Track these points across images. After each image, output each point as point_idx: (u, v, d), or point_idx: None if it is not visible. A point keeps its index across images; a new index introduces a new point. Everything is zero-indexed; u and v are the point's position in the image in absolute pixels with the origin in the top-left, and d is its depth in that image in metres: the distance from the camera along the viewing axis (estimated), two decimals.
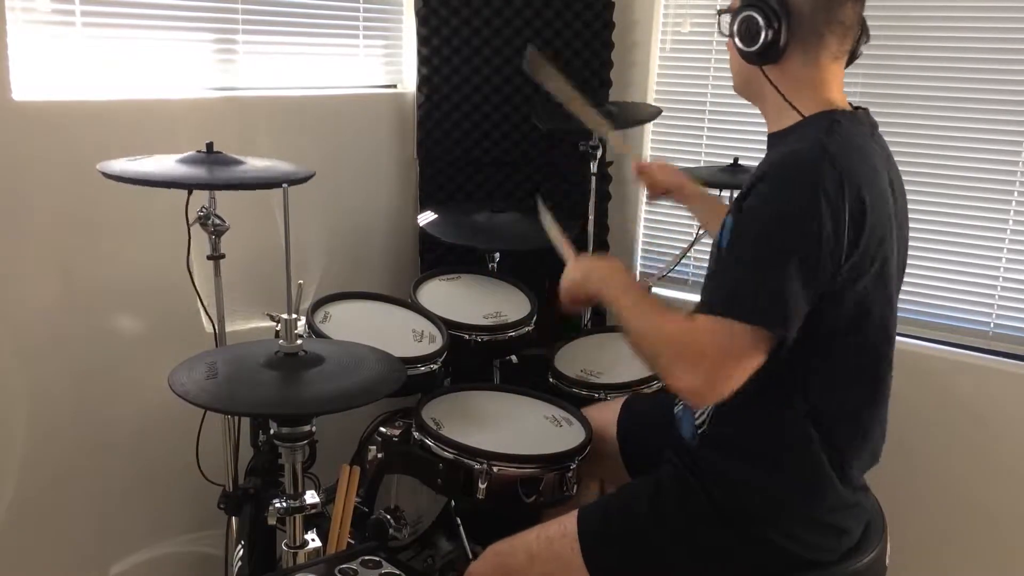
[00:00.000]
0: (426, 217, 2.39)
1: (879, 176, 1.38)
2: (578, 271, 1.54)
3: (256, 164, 1.79)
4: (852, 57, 1.47)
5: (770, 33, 1.37)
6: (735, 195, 1.52)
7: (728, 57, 1.51)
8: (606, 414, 1.84)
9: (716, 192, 2.46)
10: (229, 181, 1.71)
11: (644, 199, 1.96)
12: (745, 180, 1.52)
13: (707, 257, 1.62)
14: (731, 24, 1.43)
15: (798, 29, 1.38)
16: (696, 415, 1.53)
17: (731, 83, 1.55)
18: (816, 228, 1.26)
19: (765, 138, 1.52)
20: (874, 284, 1.37)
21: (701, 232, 2.52)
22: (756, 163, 1.64)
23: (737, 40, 1.42)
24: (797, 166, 1.32)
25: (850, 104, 1.46)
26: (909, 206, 1.48)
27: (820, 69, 1.41)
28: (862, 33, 1.45)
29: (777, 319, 1.26)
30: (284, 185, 1.46)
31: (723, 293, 1.31)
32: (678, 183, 1.92)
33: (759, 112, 1.52)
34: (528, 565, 1.52)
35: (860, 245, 1.31)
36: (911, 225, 1.49)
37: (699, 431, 1.51)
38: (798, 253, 1.26)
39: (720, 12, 1.50)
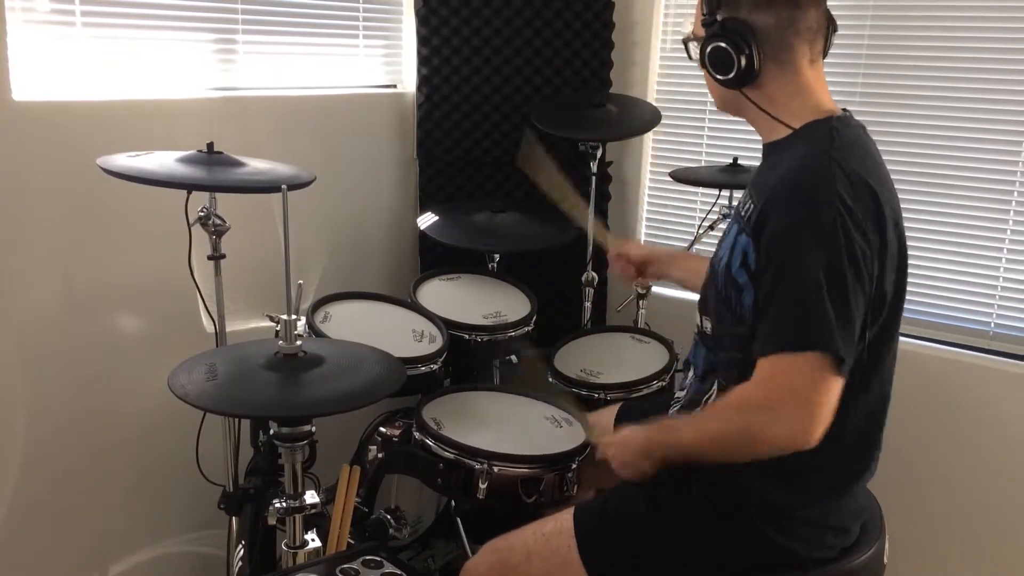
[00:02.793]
0: (426, 220, 2.39)
1: (884, 173, 1.39)
2: (622, 456, 1.53)
3: (257, 166, 1.79)
4: (824, 51, 1.47)
5: (742, 60, 1.38)
6: (738, 206, 1.51)
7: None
8: (602, 421, 1.84)
9: (715, 191, 2.47)
10: (229, 183, 1.71)
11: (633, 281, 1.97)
12: (746, 184, 1.52)
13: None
14: (700, 54, 1.43)
15: (767, 46, 1.38)
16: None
17: None
18: (849, 239, 1.27)
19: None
20: (896, 279, 1.38)
21: (701, 232, 2.52)
22: (756, 163, 1.64)
23: (711, 71, 1.42)
24: (810, 182, 1.32)
25: (844, 110, 1.46)
26: (911, 206, 1.48)
27: (798, 76, 1.41)
28: (829, 26, 1.45)
29: (829, 338, 1.26)
30: (284, 187, 1.46)
31: (776, 329, 1.30)
32: (652, 251, 1.94)
33: None
34: (525, 562, 1.52)
35: (887, 241, 1.33)
36: (912, 225, 1.51)
37: None
38: (840, 268, 1.27)
39: (685, 41, 1.51)
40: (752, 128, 1.52)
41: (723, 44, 1.38)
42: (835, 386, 1.29)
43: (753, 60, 1.37)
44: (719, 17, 1.39)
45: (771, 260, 1.32)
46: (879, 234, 1.32)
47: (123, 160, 1.70)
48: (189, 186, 1.71)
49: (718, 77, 1.42)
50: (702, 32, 1.43)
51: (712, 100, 1.55)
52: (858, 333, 1.31)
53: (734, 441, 1.37)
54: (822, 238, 1.27)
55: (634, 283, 1.98)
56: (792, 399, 1.29)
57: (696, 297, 1.59)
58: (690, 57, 1.50)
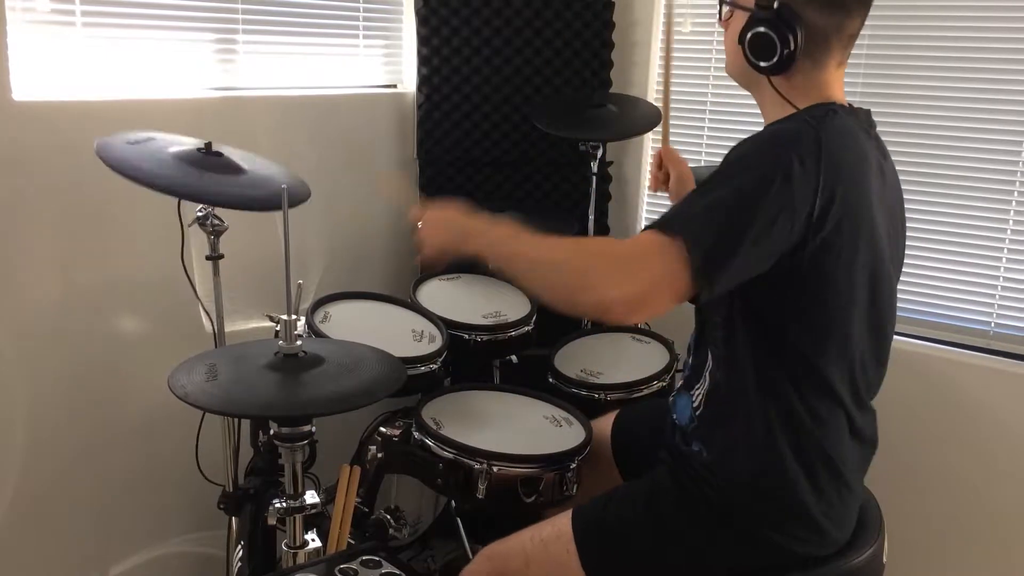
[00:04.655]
0: None
1: (866, 163, 1.38)
2: (435, 224, 1.47)
3: (256, 173, 1.77)
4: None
5: (784, 52, 1.37)
6: None
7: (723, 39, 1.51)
8: (600, 426, 1.84)
9: None
10: (226, 196, 1.66)
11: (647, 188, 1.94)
12: None
13: None
14: (742, 30, 1.41)
15: (809, 43, 1.38)
16: (693, 397, 1.53)
17: (732, 84, 1.55)
18: (781, 188, 1.24)
19: None
20: (867, 275, 1.37)
21: None
22: None
23: (749, 54, 1.41)
24: (781, 132, 1.34)
25: (851, 104, 1.46)
26: (911, 206, 1.48)
27: (823, 74, 1.42)
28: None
29: (702, 240, 1.23)
30: (283, 186, 1.46)
31: (674, 214, 1.29)
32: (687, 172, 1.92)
33: (759, 113, 1.52)
34: (523, 568, 1.51)
35: (830, 222, 1.29)
36: (912, 225, 1.50)
37: (696, 412, 1.51)
38: (759, 205, 1.24)
39: (722, 1, 1.49)
40: (752, 129, 1.52)
41: (771, 32, 1.37)
42: (682, 282, 1.23)
43: (794, 54, 1.37)
44: (775, 3, 1.36)
45: (711, 175, 1.32)
46: (822, 207, 1.28)
47: (122, 150, 1.66)
48: (185, 195, 1.68)
49: (755, 61, 1.41)
50: (749, 2, 1.41)
51: (712, 100, 1.55)
52: (734, 271, 1.26)
53: (563, 273, 1.31)
54: (762, 172, 1.26)
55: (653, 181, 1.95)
56: (643, 272, 1.24)
57: None
58: (720, 17, 1.49)
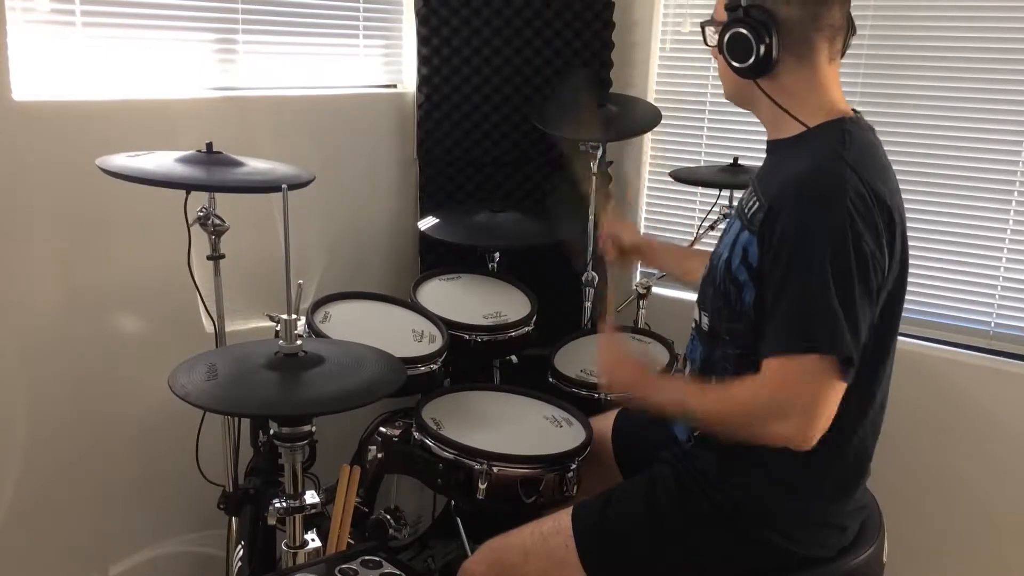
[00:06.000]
0: (427, 222, 2.39)
1: (892, 176, 1.39)
2: (611, 368, 1.54)
3: (256, 166, 1.79)
4: (841, 52, 1.47)
5: (762, 48, 1.36)
6: (740, 202, 1.51)
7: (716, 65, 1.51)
8: (601, 424, 1.84)
9: (715, 191, 2.48)
10: (229, 183, 1.71)
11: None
12: (747, 183, 1.51)
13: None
14: (719, 40, 1.42)
15: (788, 39, 1.37)
16: None
17: None
18: (860, 244, 1.27)
19: (765, 138, 1.51)
20: (896, 286, 1.38)
21: (701, 232, 2.52)
22: (756, 163, 1.64)
23: (728, 57, 1.41)
24: (821, 183, 1.31)
25: (854, 111, 1.45)
26: (911, 206, 1.48)
27: (816, 73, 1.41)
28: (848, 28, 1.44)
29: (836, 340, 1.26)
30: (284, 187, 1.46)
31: (783, 329, 1.30)
32: (645, 243, 1.93)
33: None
34: (523, 561, 1.52)
35: (895, 249, 1.33)
36: (912, 225, 1.51)
37: (695, 432, 1.51)
38: (849, 272, 1.26)
39: (703, 25, 1.49)
40: (752, 128, 1.52)
41: (744, 31, 1.37)
42: (838, 389, 1.28)
43: (772, 50, 1.36)
44: (744, 3, 1.37)
45: (779, 260, 1.31)
46: (888, 241, 1.31)
47: (123, 160, 1.70)
48: (188, 186, 1.71)
49: (734, 64, 1.40)
50: (723, 16, 1.41)
51: (712, 100, 1.55)
52: (864, 337, 1.30)
53: (735, 427, 1.36)
54: (832, 240, 1.27)
55: (615, 264, 1.97)
56: (796, 402, 1.28)
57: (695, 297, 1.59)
58: (706, 42, 1.49)
